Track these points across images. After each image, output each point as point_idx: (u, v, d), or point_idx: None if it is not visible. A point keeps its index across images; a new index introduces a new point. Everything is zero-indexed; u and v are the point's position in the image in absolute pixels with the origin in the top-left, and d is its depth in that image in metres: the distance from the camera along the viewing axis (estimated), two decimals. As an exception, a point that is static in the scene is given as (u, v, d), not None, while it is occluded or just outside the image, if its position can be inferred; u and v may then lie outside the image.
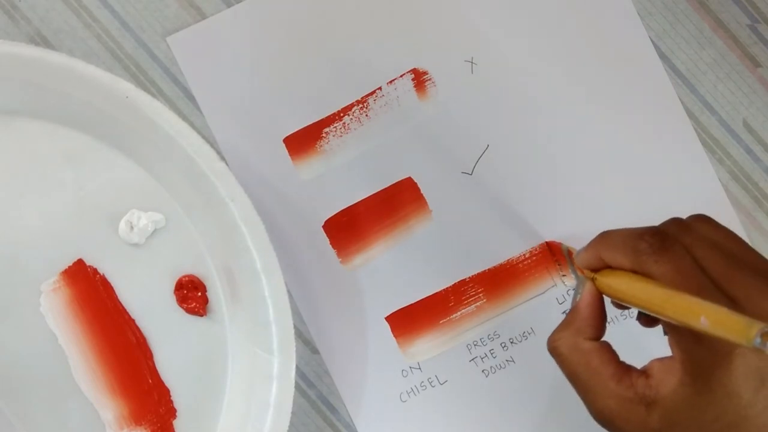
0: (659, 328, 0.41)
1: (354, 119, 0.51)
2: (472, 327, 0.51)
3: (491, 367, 0.51)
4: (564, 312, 0.51)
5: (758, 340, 0.31)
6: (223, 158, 0.48)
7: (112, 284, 0.49)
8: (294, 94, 0.51)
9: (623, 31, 0.52)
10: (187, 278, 0.49)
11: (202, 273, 0.49)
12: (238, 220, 0.47)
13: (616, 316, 0.51)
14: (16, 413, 0.49)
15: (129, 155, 0.49)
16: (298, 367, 0.51)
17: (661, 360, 0.38)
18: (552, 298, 0.51)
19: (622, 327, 0.51)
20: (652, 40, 0.52)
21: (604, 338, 0.41)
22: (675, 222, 0.40)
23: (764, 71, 0.52)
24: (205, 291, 0.49)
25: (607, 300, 0.41)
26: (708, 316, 0.33)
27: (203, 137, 0.47)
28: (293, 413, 0.48)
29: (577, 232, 0.51)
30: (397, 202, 0.51)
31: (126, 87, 0.47)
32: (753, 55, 0.52)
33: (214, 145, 0.51)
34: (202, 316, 0.49)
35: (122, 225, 0.49)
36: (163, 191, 0.49)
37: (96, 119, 0.48)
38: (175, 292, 0.49)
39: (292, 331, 0.47)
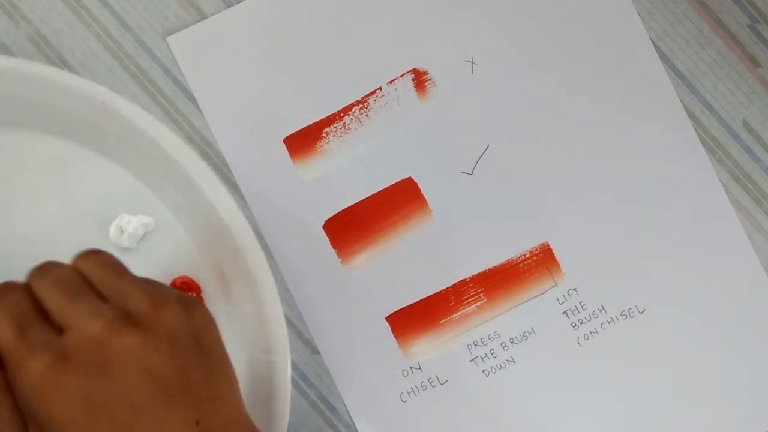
0: (662, 331, 0.40)
1: (354, 119, 0.51)
2: (473, 327, 0.51)
3: (491, 367, 0.51)
4: (564, 312, 0.51)
5: None
6: (206, 158, 0.47)
7: (108, 288, 0.49)
8: (294, 94, 0.51)
9: (623, 31, 0.52)
10: (180, 280, 0.49)
11: (196, 274, 0.49)
12: (224, 221, 0.47)
13: (616, 316, 0.51)
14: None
15: (114, 160, 0.49)
16: (298, 367, 0.51)
17: None
18: (552, 298, 0.51)
19: (622, 329, 0.51)
20: (652, 40, 0.52)
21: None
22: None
23: (764, 71, 0.52)
24: (200, 292, 0.49)
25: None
26: None
27: (188, 138, 0.47)
28: (293, 413, 0.48)
29: (576, 233, 0.51)
30: (397, 202, 0.51)
31: (101, 92, 0.46)
32: (753, 55, 0.52)
33: (215, 146, 0.51)
34: (199, 316, 0.49)
35: (113, 230, 0.49)
36: (150, 194, 0.49)
37: (79, 126, 0.48)
38: (171, 294, 0.49)
39: (285, 330, 0.47)
